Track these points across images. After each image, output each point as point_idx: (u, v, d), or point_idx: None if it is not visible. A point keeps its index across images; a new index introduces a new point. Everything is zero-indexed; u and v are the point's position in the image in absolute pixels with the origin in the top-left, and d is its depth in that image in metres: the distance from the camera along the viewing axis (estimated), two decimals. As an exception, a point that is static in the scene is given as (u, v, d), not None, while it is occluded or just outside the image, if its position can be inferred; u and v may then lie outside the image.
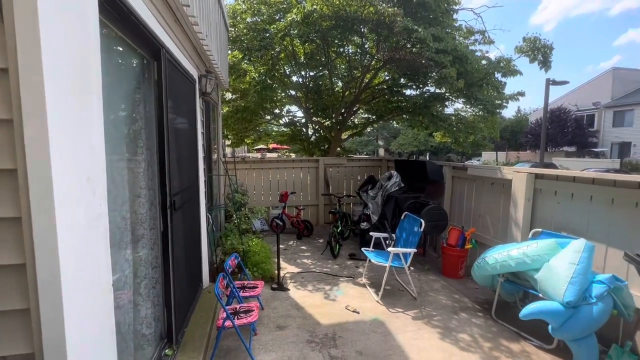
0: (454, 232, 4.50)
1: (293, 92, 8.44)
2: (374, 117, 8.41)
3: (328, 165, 7.19)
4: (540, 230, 3.42)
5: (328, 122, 8.55)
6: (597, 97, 28.65)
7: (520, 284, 3.19)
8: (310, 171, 7.18)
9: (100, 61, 1.39)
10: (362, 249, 4.19)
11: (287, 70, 8.36)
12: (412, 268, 4.39)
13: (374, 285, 4.08)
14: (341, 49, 7.69)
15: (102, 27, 1.53)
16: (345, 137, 9.05)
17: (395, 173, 5.44)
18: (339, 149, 8.70)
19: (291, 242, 5.94)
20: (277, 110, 9.03)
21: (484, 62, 5.70)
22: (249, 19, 6.54)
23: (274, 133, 9.96)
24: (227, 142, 8.68)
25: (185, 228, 3.10)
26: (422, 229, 3.75)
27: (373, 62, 7.26)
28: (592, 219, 3.11)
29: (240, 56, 6.56)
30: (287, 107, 9.39)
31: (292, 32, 5.79)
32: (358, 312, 3.41)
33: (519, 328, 3.10)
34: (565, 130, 28.15)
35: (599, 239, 3.02)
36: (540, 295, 2.84)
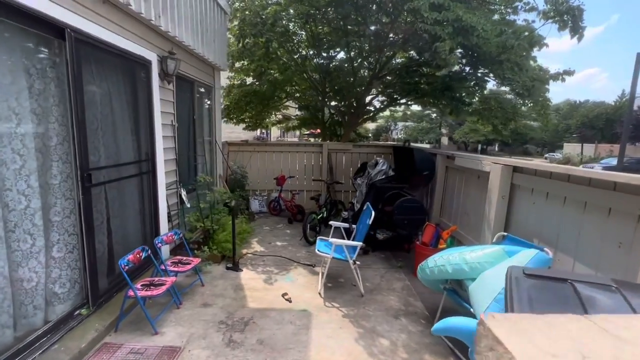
0: (429, 228, 4.00)
1: (313, 76, 8.22)
2: (387, 100, 7.78)
3: (332, 150, 6.94)
4: (504, 234, 2.85)
5: (343, 107, 8.19)
6: None
7: (461, 295, 2.72)
8: (314, 156, 7.03)
9: None
10: (318, 237, 4.00)
11: (303, 52, 8.16)
12: (360, 263, 4.05)
13: (329, 276, 3.89)
14: (357, 28, 7.19)
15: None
16: (361, 121, 8.57)
17: (382, 160, 5.01)
18: (353, 133, 8.30)
19: (280, 225, 5.95)
20: (297, 94, 8.95)
21: (507, 29, 4.65)
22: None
23: (293, 116, 9.93)
24: (243, 125, 8.93)
25: (124, 201, 3.31)
26: (370, 221, 3.41)
27: (389, 39, 6.65)
28: (564, 226, 2.46)
29: (253, 40, 6.51)
30: (304, 91, 9.22)
31: (287, 11, 5.59)
32: (290, 301, 3.30)
33: (455, 344, 2.66)
34: (677, 119, 22.65)
35: (567, 251, 2.39)
36: (472, 310, 2.39)
